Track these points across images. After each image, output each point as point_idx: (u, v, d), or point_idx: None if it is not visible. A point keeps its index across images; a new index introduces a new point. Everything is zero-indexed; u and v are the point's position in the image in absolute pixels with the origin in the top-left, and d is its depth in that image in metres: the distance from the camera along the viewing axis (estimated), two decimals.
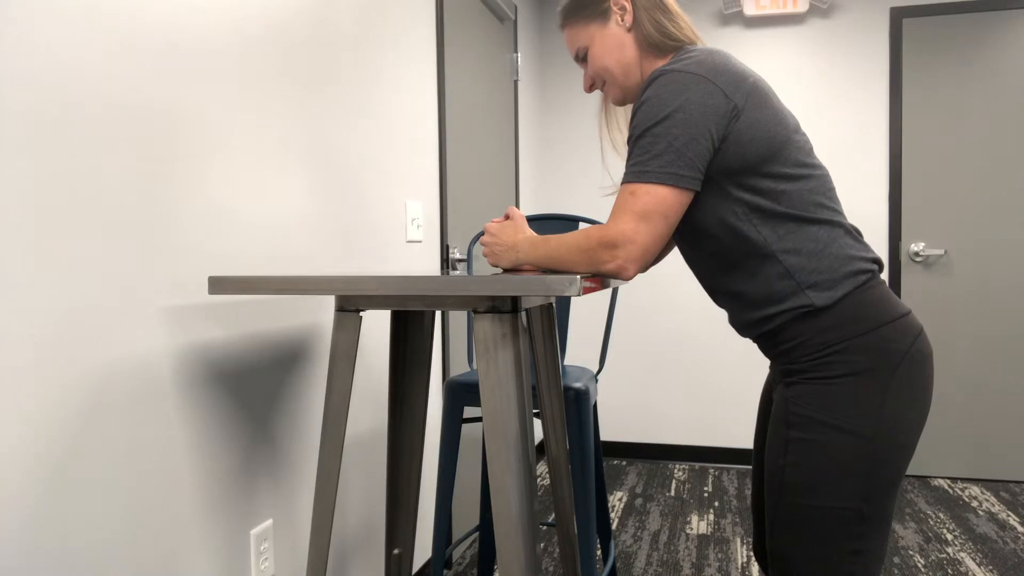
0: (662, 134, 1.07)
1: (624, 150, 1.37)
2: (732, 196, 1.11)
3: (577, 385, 1.81)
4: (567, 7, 1.28)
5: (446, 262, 2.53)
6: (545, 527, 2.87)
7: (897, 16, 3.51)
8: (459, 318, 2.69)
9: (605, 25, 1.24)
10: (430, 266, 2.42)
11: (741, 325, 1.20)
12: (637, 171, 1.08)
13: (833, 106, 3.61)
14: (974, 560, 2.58)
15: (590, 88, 1.31)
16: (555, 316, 1.65)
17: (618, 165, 3.74)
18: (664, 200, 1.07)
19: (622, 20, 1.23)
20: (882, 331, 1.08)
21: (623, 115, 1.38)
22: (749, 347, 3.75)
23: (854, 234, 1.15)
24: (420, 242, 2.34)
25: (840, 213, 1.15)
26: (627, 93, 1.27)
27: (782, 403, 1.13)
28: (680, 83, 1.07)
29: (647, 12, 1.21)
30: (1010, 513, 3.06)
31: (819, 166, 1.15)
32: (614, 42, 1.23)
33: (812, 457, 1.08)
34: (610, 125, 1.38)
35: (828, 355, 1.09)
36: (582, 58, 1.28)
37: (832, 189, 1.15)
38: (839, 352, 1.08)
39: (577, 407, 1.80)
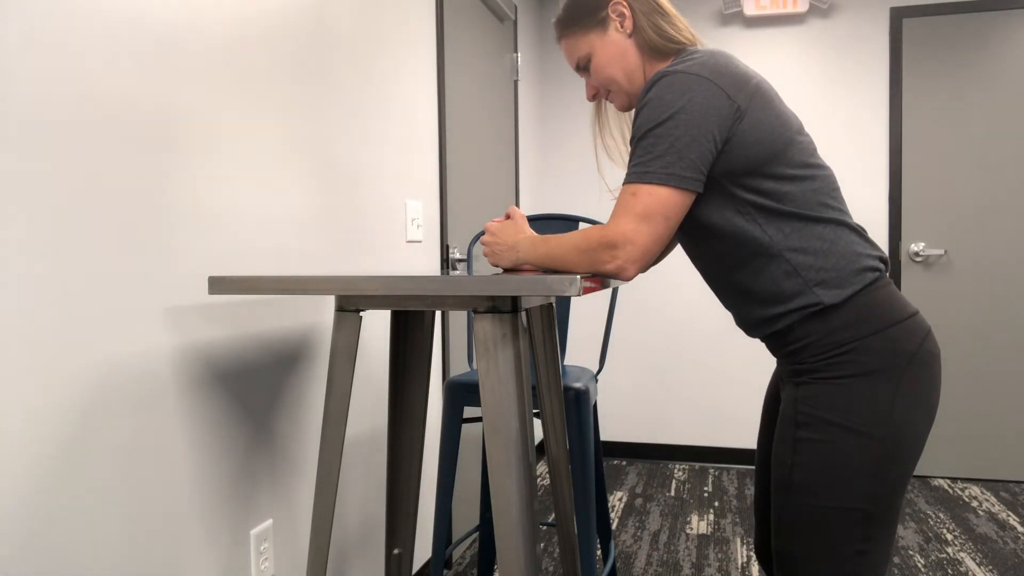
0: (664, 135, 1.07)
1: (618, 156, 1.37)
2: (736, 197, 1.11)
3: (577, 385, 1.81)
4: (564, 18, 1.27)
5: (446, 262, 2.53)
6: (545, 527, 2.87)
7: (897, 16, 3.51)
8: (459, 318, 2.68)
9: (605, 33, 1.23)
10: (430, 266, 2.42)
11: (749, 325, 1.20)
12: (639, 171, 1.08)
13: (833, 106, 3.61)
14: (974, 560, 2.58)
15: (593, 97, 1.31)
16: (555, 316, 1.65)
17: (613, 171, 3.74)
18: (665, 201, 1.07)
19: (622, 26, 1.23)
20: (891, 331, 1.08)
21: (616, 121, 1.37)
22: (749, 347, 3.75)
23: (860, 232, 1.15)
24: (420, 242, 2.34)
25: (845, 212, 1.15)
26: (632, 98, 1.27)
27: (791, 403, 1.13)
28: (683, 84, 1.07)
29: (646, 17, 1.21)
30: (1010, 513, 3.06)
31: (823, 166, 1.15)
32: (616, 50, 1.23)
33: (821, 457, 1.08)
34: (603, 131, 1.38)
35: (838, 355, 1.09)
36: (583, 67, 1.28)
37: (837, 189, 1.15)
38: (849, 352, 1.08)
39: (577, 407, 1.80)
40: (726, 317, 3.77)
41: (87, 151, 1.11)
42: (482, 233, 1.37)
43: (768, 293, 1.13)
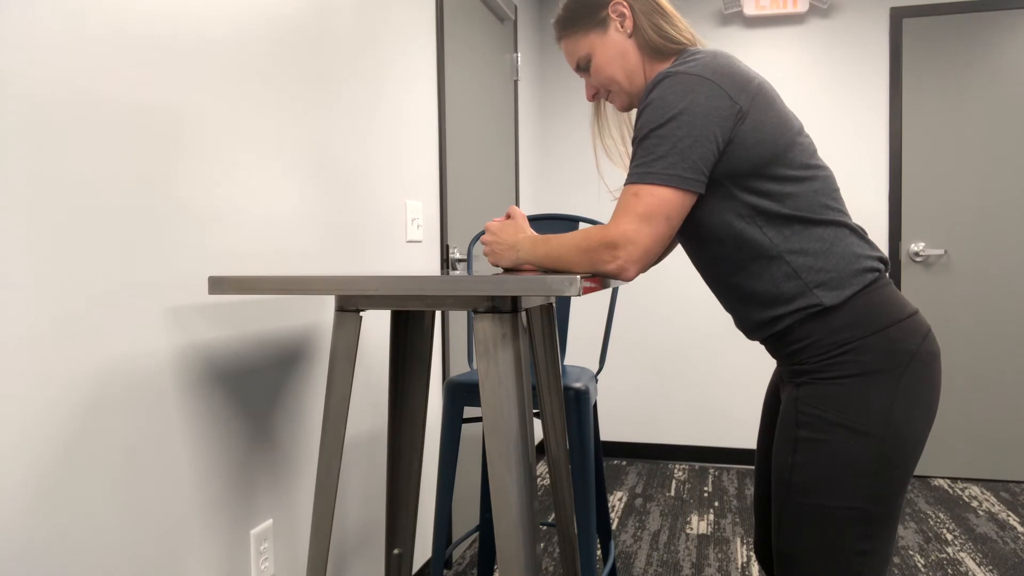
0: (667, 136, 1.07)
1: (617, 156, 1.37)
2: (737, 199, 1.11)
3: (577, 385, 1.81)
4: (564, 19, 1.27)
5: (446, 262, 2.53)
6: (545, 527, 2.87)
7: (897, 16, 3.51)
8: (459, 318, 2.68)
9: (605, 33, 1.23)
10: (430, 266, 2.42)
11: (749, 327, 1.20)
12: (641, 172, 1.08)
13: (833, 106, 3.61)
14: (974, 560, 2.58)
15: (593, 97, 1.31)
16: (555, 316, 1.65)
17: (613, 171, 3.74)
18: (667, 201, 1.07)
19: (622, 27, 1.22)
20: (891, 331, 1.08)
21: (616, 121, 1.37)
22: (750, 347, 3.75)
23: (860, 233, 1.15)
24: (420, 242, 2.34)
25: (845, 213, 1.15)
26: (633, 99, 1.27)
27: (792, 403, 1.13)
28: (685, 85, 1.07)
29: (646, 17, 1.21)
30: (1010, 513, 3.06)
31: (823, 167, 1.15)
32: (616, 50, 1.23)
33: (821, 457, 1.08)
34: (603, 132, 1.38)
35: (838, 355, 1.09)
36: (583, 67, 1.28)
37: (836, 190, 1.16)
38: (849, 352, 1.08)
39: (577, 407, 1.80)
40: (726, 317, 3.77)
41: (87, 151, 1.11)
42: (482, 233, 1.37)
43: (768, 295, 1.14)
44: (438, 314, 2.52)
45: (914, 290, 3.54)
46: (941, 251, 3.49)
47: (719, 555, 2.65)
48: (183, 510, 1.31)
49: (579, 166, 3.94)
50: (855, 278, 1.10)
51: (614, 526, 2.95)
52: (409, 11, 2.25)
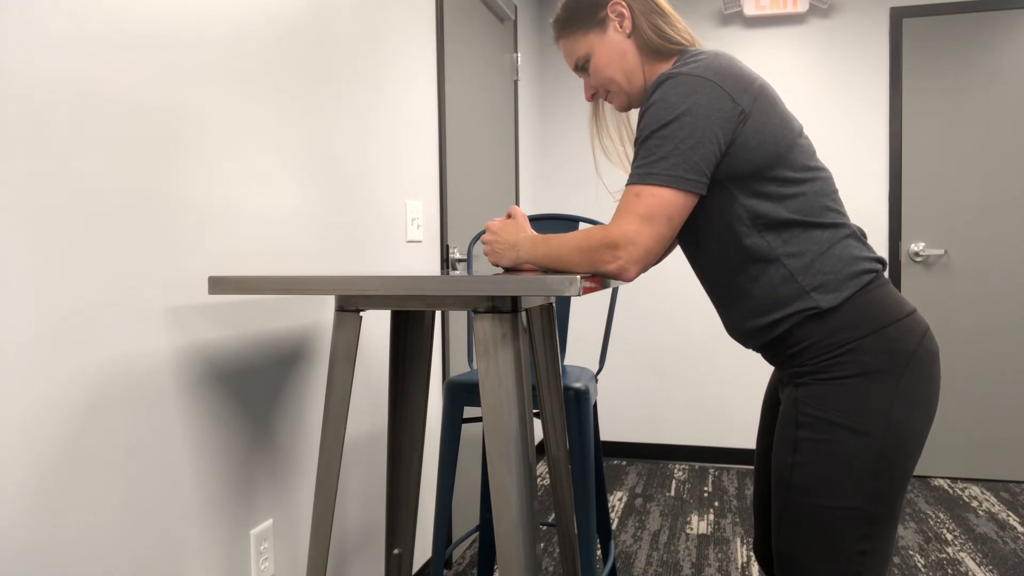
0: (669, 136, 1.07)
1: (615, 156, 1.37)
2: (738, 201, 1.11)
3: (577, 385, 1.81)
4: (562, 19, 1.27)
5: (446, 262, 2.53)
6: (545, 527, 2.87)
7: (897, 16, 3.51)
8: (459, 318, 2.68)
9: (604, 33, 1.23)
10: (430, 266, 2.42)
11: (745, 335, 1.19)
12: (642, 172, 1.08)
13: (833, 106, 3.61)
14: (974, 560, 2.58)
15: (592, 97, 1.31)
16: (555, 316, 1.65)
17: (612, 171, 3.74)
18: (668, 202, 1.07)
19: (620, 27, 1.22)
20: (889, 331, 1.08)
21: (614, 121, 1.37)
22: None
23: (858, 235, 1.15)
24: (420, 242, 2.34)
25: (844, 215, 1.15)
26: (632, 99, 1.27)
27: (791, 403, 1.13)
28: (687, 86, 1.07)
29: (645, 17, 1.21)
30: (1010, 513, 3.06)
31: (823, 168, 1.15)
32: (615, 50, 1.23)
33: (821, 457, 1.08)
34: (601, 132, 1.38)
35: (837, 356, 1.09)
36: (582, 67, 1.28)
37: (836, 191, 1.16)
38: (848, 352, 1.08)
39: (577, 407, 1.80)
40: None
41: (87, 151, 1.11)
42: (483, 233, 1.37)
43: (766, 299, 1.13)
44: (438, 314, 2.52)
45: (914, 290, 3.54)
46: (941, 251, 3.49)
47: (719, 555, 2.65)
48: (183, 510, 1.31)
49: (579, 166, 3.94)
50: (852, 280, 1.10)
51: (614, 526, 2.95)
52: (409, 11, 2.25)
